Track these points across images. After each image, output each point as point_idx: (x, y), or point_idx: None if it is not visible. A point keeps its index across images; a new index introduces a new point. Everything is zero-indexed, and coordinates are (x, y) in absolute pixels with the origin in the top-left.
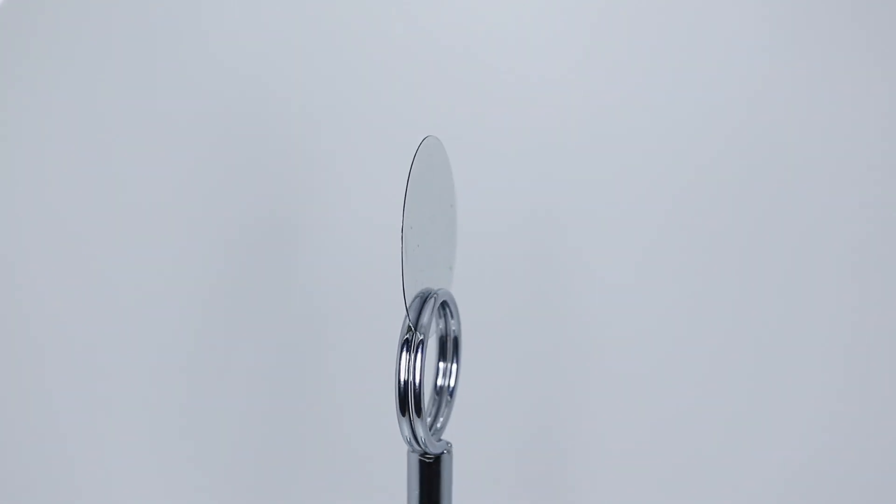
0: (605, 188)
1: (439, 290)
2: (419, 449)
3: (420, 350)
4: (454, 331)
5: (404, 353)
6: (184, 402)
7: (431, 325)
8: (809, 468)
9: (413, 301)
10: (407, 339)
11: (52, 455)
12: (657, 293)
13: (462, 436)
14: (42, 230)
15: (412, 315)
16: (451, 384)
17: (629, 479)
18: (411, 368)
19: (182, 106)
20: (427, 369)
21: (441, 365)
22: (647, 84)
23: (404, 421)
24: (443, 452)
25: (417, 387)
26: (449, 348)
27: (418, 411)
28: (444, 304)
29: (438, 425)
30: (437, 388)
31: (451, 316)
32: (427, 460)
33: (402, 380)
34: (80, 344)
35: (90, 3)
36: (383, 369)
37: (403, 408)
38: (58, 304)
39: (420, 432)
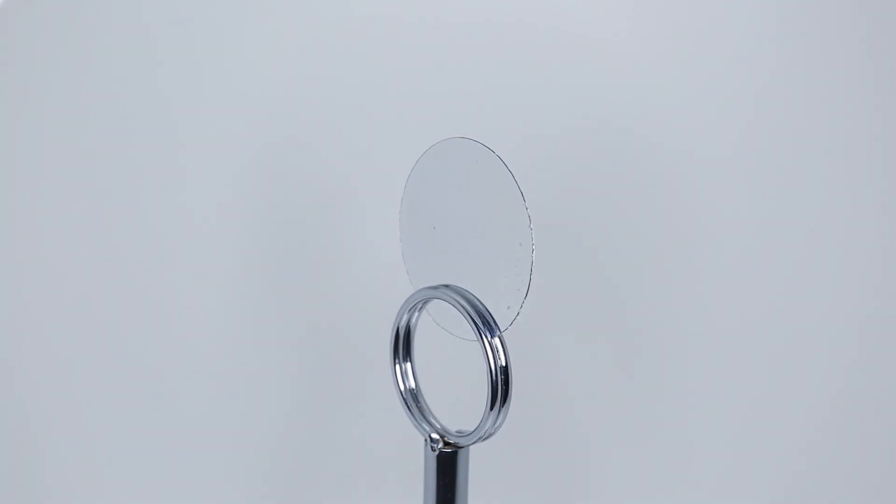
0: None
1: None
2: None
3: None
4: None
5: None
6: (200, 399)
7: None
8: None
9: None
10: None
11: (74, 457)
12: None
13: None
14: (47, 231)
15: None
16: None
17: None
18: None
19: (186, 106)
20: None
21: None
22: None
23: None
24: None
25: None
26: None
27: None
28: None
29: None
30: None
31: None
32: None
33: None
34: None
35: (91, 4)
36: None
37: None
38: (76, 308)
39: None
